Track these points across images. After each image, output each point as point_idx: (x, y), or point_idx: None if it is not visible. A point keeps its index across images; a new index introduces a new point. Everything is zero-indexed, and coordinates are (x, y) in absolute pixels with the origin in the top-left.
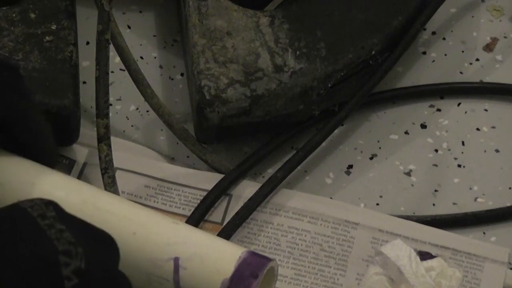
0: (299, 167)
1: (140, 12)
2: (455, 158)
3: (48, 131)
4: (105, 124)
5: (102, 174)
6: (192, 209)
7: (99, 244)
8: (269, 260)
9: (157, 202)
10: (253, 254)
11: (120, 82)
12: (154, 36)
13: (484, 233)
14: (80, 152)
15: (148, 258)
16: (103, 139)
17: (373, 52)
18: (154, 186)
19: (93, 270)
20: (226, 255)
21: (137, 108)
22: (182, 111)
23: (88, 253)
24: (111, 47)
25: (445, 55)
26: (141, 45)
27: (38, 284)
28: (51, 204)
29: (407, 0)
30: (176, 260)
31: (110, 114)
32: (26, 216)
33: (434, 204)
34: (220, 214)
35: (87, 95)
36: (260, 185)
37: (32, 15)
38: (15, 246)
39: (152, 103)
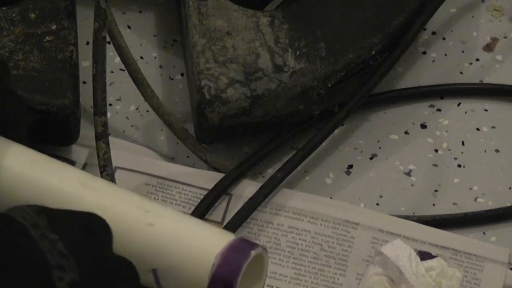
0: (299, 167)
1: (140, 12)
2: (455, 158)
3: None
4: (103, 122)
5: (101, 172)
6: (193, 207)
7: (91, 232)
8: (251, 251)
9: (157, 199)
10: (232, 248)
11: (120, 82)
12: (154, 36)
13: (484, 233)
14: (80, 153)
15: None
16: (101, 137)
17: (373, 52)
18: (154, 184)
19: (88, 278)
20: (202, 262)
21: (137, 108)
22: (182, 111)
23: (81, 258)
24: (111, 47)
25: (445, 55)
26: (141, 45)
27: None
28: (43, 212)
29: (407, 0)
30: (154, 271)
31: (110, 114)
32: (18, 227)
33: (434, 204)
34: (220, 213)
35: (87, 95)
36: (260, 185)
37: (32, 15)
38: (9, 258)
39: (152, 103)
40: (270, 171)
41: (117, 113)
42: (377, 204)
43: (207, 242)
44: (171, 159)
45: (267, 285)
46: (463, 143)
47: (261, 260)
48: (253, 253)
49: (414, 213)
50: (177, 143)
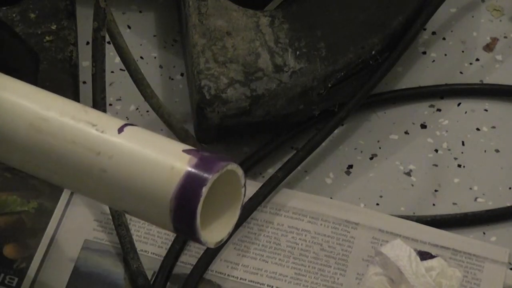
0: (299, 167)
1: (140, 12)
2: (455, 158)
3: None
4: None
5: None
6: None
7: None
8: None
9: None
10: (183, 188)
11: (120, 82)
12: (154, 36)
13: (484, 233)
14: None
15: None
16: None
17: (373, 52)
18: None
19: None
20: (159, 209)
21: (137, 108)
22: (182, 111)
23: None
24: (111, 47)
25: (445, 55)
26: (141, 45)
27: None
28: None
29: (407, 0)
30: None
31: (110, 114)
32: None
33: (434, 204)
34: None
35: (87, 95)
36: (260, 185)
37: (32, 15)
38: None
39: (152, 103)
40: (270, 171)
41: (117, 113)
42: (377, 204)
43: (160, 184)
44: None
45: (267, 285)
46: (463, 143)
47: (229, 174)
48: (204, 190)
49: (414, 213)
50: None
